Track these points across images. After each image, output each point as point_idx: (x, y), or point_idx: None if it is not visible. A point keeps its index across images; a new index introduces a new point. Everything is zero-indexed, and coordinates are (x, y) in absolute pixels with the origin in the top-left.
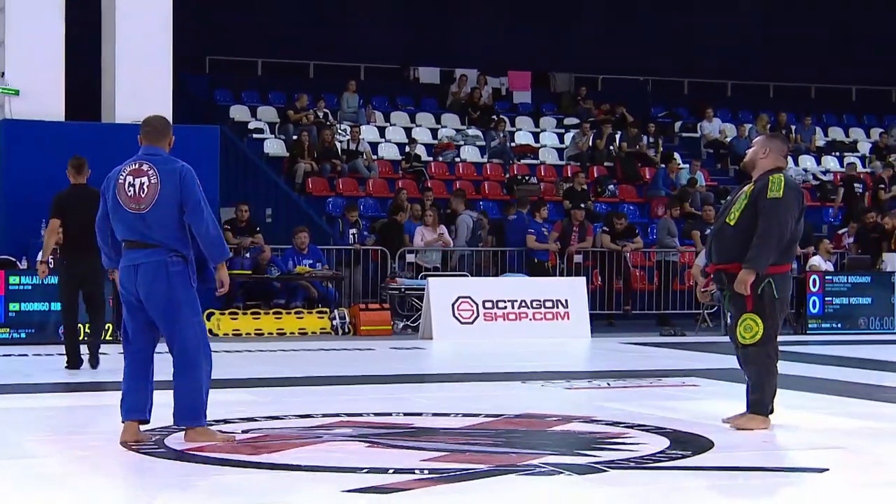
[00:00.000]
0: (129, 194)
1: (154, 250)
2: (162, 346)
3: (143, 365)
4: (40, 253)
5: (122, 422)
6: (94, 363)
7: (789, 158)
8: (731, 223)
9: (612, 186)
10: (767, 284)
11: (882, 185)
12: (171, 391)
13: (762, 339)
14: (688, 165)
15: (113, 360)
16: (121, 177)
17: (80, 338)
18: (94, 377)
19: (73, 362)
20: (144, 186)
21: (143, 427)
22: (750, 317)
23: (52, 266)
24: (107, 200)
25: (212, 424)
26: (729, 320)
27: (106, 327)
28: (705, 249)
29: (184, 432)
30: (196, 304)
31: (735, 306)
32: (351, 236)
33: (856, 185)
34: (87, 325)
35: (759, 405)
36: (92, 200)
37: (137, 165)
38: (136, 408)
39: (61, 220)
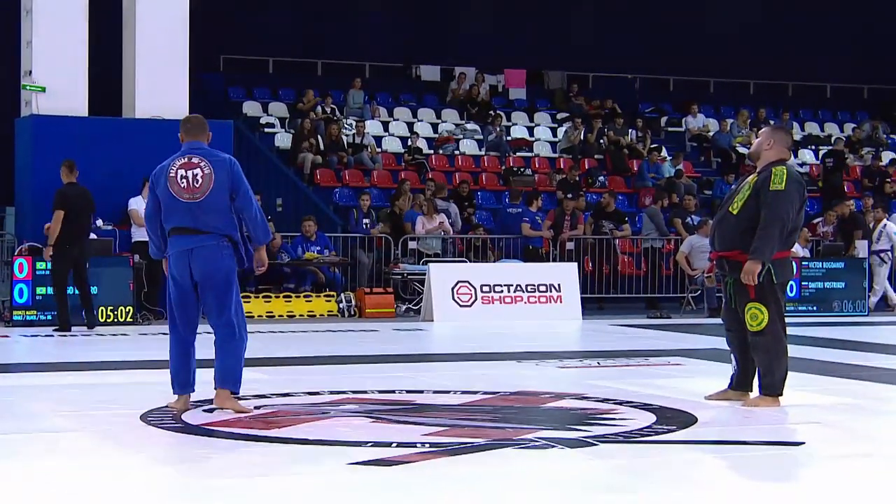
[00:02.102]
0: (183, 186)
1: (207, 236)
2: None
3: (188, 346)
4: (48, 239)
5: (176, 394)
6: (93, 323)
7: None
8: (734, 212)
9: (601, 177)
10: (767, 271)
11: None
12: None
13: (768, 324)
14: (670, 158)
15: (132, 341)
16: (171, 170)
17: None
18: (115, 354)
19: (67, 326)
20: (198, 177)
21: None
22: (754, 305)
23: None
24: (157, 194)
25: None
26: (724, 303)
27: (127, 310)
28: (709, 237)
29: (216, 394)
30: (237, 284)
31: (738, 294)
32: (364, 225)
33: (827, 160)
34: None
35: (770, 388)
36: (83, 195)
37: (187, 159)
38: (187, 383)
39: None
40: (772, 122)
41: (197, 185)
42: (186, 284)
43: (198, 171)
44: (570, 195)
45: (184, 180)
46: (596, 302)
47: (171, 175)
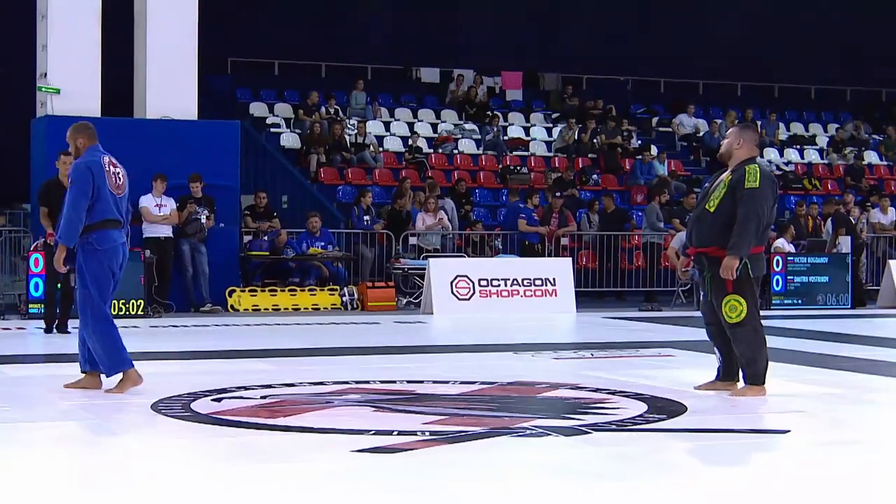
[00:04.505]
0: (114, 181)
1: (123, 231)
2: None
3: None
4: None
5: (124, 371)
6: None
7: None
8: (711, 210)
9: (595, 176)
10: (744, 266)
11: None
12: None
13: (747, 316)
14: (657, 156)
15: (143, 334)
16: (105, 166)
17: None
18: (126, 346)
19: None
20: (120, 175)
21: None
22: (733, 297)
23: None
24: (94, 186)
25: (231, 391)
26: (703, 298)
27: (139, 303)
28: (685, 233)
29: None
30: None
31: (716, 288)
32: (365, 221)
33: None
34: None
35: (754, 377)
36: None
37: (109, 158)
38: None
39: None
40: (758, 123)
41: (120, 182)
42: (116, 274)
43: (119, 169)
44: (557, 193)
45: (114, 176)
46: (591, 296)
47: (106, 170)
